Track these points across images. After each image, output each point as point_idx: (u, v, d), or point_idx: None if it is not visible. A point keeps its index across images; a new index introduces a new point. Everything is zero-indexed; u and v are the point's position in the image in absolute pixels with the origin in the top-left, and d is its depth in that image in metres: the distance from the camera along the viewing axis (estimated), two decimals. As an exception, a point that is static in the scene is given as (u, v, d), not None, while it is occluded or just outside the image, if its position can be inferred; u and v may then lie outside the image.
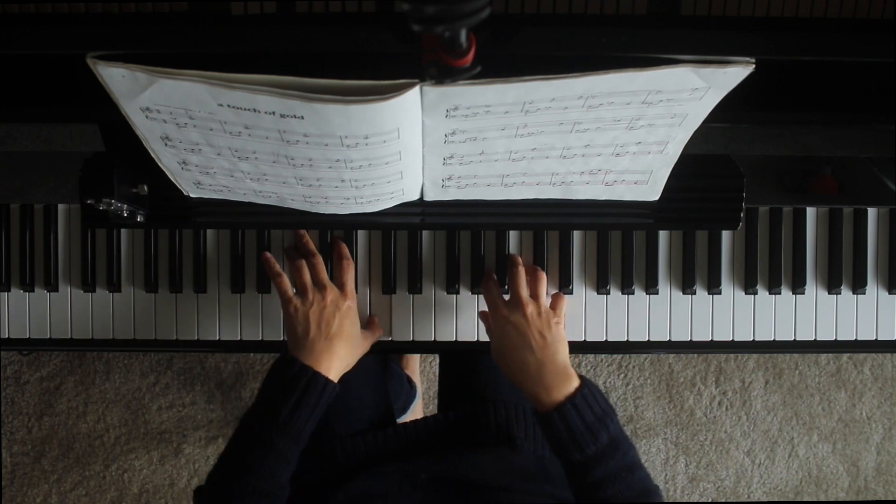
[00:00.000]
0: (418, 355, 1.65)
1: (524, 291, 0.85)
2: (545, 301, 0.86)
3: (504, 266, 0.92)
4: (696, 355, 1.76)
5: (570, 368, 0.80)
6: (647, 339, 0.94)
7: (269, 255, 0.90)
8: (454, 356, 1.12)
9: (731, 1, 0.66)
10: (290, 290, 0.86)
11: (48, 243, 0.92)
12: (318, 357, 0.81)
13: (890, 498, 1.77)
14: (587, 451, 0.75)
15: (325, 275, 0.87)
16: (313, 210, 0.84)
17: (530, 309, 0.83)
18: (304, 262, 0.87)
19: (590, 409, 0.77)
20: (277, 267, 0.88)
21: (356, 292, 0.90)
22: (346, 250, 0.90)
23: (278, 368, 0.81)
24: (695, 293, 0.93)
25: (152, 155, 0.75)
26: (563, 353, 0.82)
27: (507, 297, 0.88)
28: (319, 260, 0.87)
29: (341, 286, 0.87)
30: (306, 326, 0.83)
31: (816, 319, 0.94)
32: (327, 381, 0.80)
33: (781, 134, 0.81)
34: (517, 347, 0.81)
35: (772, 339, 0.94)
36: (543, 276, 0.88)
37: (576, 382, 0.78)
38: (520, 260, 0.89)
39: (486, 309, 0.89)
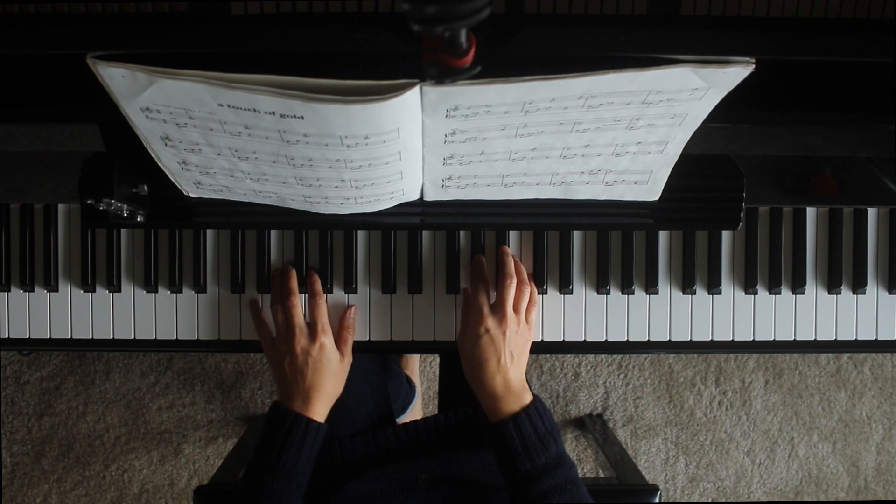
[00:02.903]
0: (418, 355, 1.65)
1: (510, 306, 0.86)
2: (523, 316, 0.88)
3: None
4: (696, 355, 1.76)
5: (526, 384, 0.85)
6: (647, 339, 0.94)
7: (257, 304, 0.92)
8: (454, 356, 1.11)
9: (731, 1, 0.67)
10: (268, 338, 0.89)
11: (48, 243, 0.92)
12: (301, 403, 0.85)
13: (890, 498, 1.77)
14: (537, 461, 0.78)
15: (299, 317, 0.87)
16: (313, 210, 0.84)
17: (511, 326, 0.85)
18: (279, 308, 0.88)
19: (542, 421, 0.81)
20: (262, 315, 0.91)
21: (362, 290, 0.92)
22: (318, 286, 0.90)
23: (268, 414, 0.86)
24: (695, 293, 0.93)
25: (152, 155, 0.75)
26: (523, 369, 0.86)
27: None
28: (293, 301, 0.88)
29: (313, 324, 0.88)
30: (282, 377, 0.86)
31: (816, 319, 0.94)
32: (309, 422, 0.83)
33: (781, 134, 0.81)
34: (487, 362, 0.83)
35: (772, 339, 0.94)
36: (527, 290, 0.88)
37: (529, 397, 0.83)
38: (513, 270, 0.89)
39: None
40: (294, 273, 0.90)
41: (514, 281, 0.87)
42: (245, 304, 0.92)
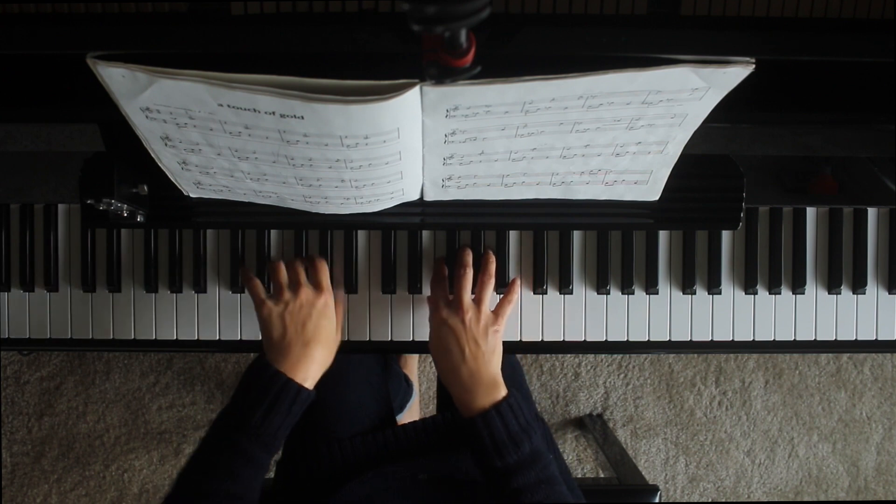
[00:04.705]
0: (417, 355, 1.66)
1: (467, 296, 0.85)
2: (487, 307, 0.86)
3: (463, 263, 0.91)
4: (696, 355, 1.76)
5: (500, 379, 0.82)
6: (647, 339, 0.94)
7: (247, 268, 0.91)
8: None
9: (731, 1, 0.67)
10: (263, 293, 0.86)
11: (48, 243, 0.92)
12: (295, 363, 0.81)
13: (890, 498, 1.77)
14: (508, 459, 0.77)
15: (302, 275, 0.86)
16: (313, 210, 0.84)
17: (469, 315, 0.84)
18: (280, 263, 0.87)
19: (514, 418, 0.79)
20: (250, 272, 0.89)
21: (362, 290, 0.92)
22: (318, 256, 0.90)
23: (252, 373, 0.80)
24: (695, 293, 0.93)
25: (152, 155, 0.75)
26: (496, 363, 0.83)
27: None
28: (298, 262, 0.87)
29: (317, 283, 0.86)
30: (282, 330, 0.82)
31: (816, 319, 0.94)
32: (300, 388, 0.79)
33: (781, 134, 0.81)
34: (451, 352, 0.82)
35: (772, 339, 0.94)
36: (491, 282, 0.87)
37: (502, 392, 0.81)
38: (469, 261, 0.88)
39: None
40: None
41: (469, 271, 0.87)
42: (245, 304, 0.92)
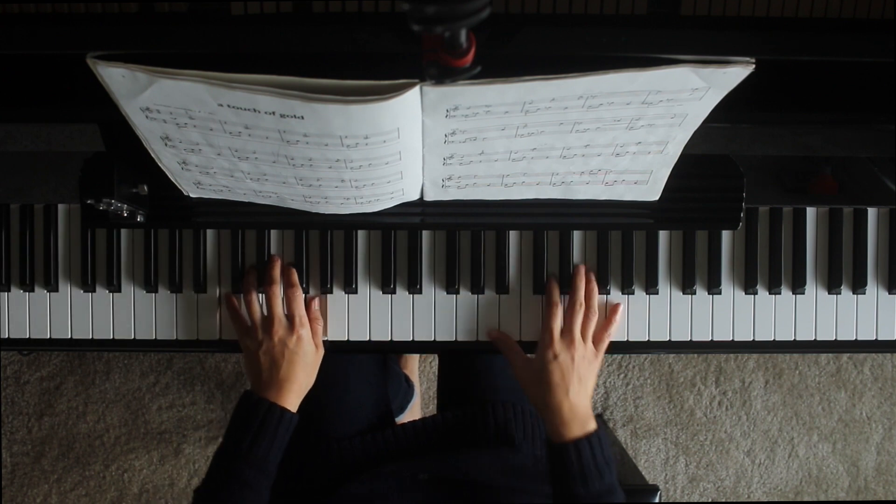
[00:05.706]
0: (417, 355, 1.65)
1: (577, 331, 0.87)
2: (590, 341, 0.88)
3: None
4: (696, 355, 1.76)
5: (591, 411, 0.85)
6: (647, 339, 0.94)
7: (231, 297, 0.91)
8: (453, 356, 1.12)
9: (731, 1, 0.67)
10: (244, 327, 0.89)
11: (48, 243, 0.92)
12: (275, 393, 0.84)
13: (890, 498, 1.77)
14: (591, 487, 0.79)
15: (278, 307, 0.87)
16: (313, 210, 0.84)
17: (580, 353, 0.86)
18: (253, 298, 0.88)
19: (601, 450, 0.82)
20: (235, 304, 0.91)
21: (362, 290, 0.92)
22: (295, 277, 0.89)
23: (239, 403, 0.85)
24: (695, 293, 0.93)
25: (152, 155, 0.76)
26: (590, 395, 0.86)
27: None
28: (275, 290, 0.88)
29: (291, 315, 0.87)
30: (258, 369, 0.86)
31: (816, 319, 0.94)
32: (283, 411, 0.83)
33: (781, 134, 0.81)
34: (556, 387, 0.84)
35: (772, 339, 0.94)
36: (596, 317, 0.89)
37: (593, 424, 0.83)
38: (583, 298, 0.89)
39: (494, 324, 0.90)
40: (278, 263, 0.90)
41: (583, 308, 0.88)
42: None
